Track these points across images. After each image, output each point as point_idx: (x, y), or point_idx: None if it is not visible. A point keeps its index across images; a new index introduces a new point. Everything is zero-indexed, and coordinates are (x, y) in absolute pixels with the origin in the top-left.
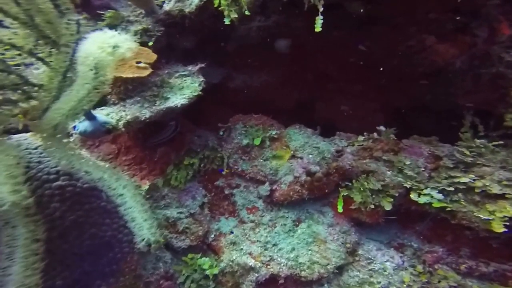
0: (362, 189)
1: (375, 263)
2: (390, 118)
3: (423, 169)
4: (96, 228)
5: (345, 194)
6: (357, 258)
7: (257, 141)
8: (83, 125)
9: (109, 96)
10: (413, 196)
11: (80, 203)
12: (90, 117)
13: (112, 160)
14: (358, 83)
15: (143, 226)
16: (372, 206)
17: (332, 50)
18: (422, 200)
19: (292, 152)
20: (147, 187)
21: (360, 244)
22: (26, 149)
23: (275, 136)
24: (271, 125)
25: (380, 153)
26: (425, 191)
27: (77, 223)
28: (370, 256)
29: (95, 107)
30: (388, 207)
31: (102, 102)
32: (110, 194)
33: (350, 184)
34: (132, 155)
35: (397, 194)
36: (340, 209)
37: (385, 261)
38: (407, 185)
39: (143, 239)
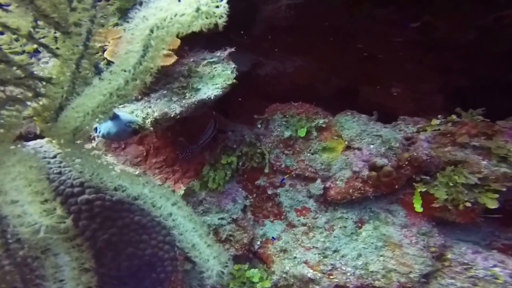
0: (450, 183)
1: (476, 269)
2: (451, 100)
3: None
4: (134, 247)
5: (422, 190)
6: (447, 264)
7: (301, 132)
8: (106, 126)
9: None
10: None
11: (111, 219)
12: (113, 116)
13: (141, 163)
14: (409, 64)
15: (209, 255)
16: (468, 204)
17: (377, 29)
18: None
19: (346, 143)
20: (182, 191)
21: (448, 247)
22: (44, 158)
23: (323, 125)
24: (316, 113)
25: (466, 139)
26: None
27: (111, 242)
28: (466, 261)
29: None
30: (492, 204)
31: None
32: (156, 215)
33: (427, 178)
34: (162, 156)
35: (504, 189)
36: (418, 208)
37: (492, 267)
38: None
39: (213, 272)
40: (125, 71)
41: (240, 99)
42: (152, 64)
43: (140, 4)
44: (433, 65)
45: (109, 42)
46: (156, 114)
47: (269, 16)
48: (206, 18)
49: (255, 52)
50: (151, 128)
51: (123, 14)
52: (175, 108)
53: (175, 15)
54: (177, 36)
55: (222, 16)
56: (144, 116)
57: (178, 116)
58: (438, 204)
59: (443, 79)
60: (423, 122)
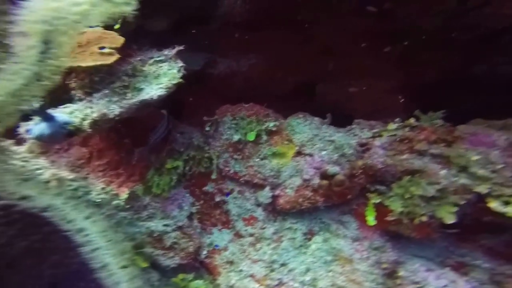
0: (406, 195)
1: None
2: (413, 99)
3: (502, 165)
4: (60, 255)
5: (376, 201)
6: (398, 282)
7: (251, 136)
8: (39, 127)
9: (73, 91)
10: (495, 205)
11: (35, 225)
12: (47, 117)
13: (84, 165)
14: (369, 58)
15: (120, 278)
16: (425, 219)
17: (335, 20)
18: None
19: (297, 148)
20: (126, 196)
21: (401, 263)
22: None
23: (273, 129)
24: (267, 115)
25: (425, 146)
26: None
27: (32, 249)
28: (418, 279)
29: (54, 105)
30: (450, 219)
31: (65, 99)
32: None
33: (382, 188)
34: (106, 159)
35: (463, 202)
36: (371, 221)
37: (443, 287)
38: (480, 189)
39: None
40: (26, 69)
41: (191, 99)
42: (59, 62)
43: None
44: (394, 59)
45: None
46: (95, 115)
47: (225, 12)
48: (110, 6)
49: (210, 50)
50: (89, 129)
51: None
52: (114, 109)
53: (70, 4)
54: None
55: (129, 3)
56: (82, 117)
57: (118, 117)
58: (392, 217)
59: (405, 74)
60: (380, 126)
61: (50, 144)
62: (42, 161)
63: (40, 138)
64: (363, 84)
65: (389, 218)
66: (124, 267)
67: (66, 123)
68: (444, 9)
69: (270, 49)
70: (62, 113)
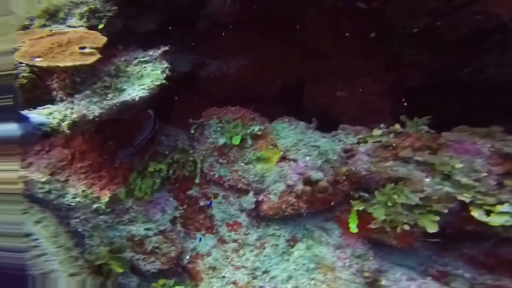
0: (389, 203)
1: None
2: (400, 103)
3: (485, 174)
4: None
5: (360, 208)
6: None
7: (236, 140)
8: (9, 128)
9: (54, 92)
10: (477, 214)
11: None
12: (20, 117)
13: (66, 167)
14: (357, 59)
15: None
16: (407, 227)
17: (324, 20)
18: (498, 221)
19: (281, 153)
20: (107, 199)
21: (383, 272)
22: None
23: (259, 133)
24: (252, 118)
25: (409, 152)
26: (502, 208)
27: None
28: None
29: (32, 105)
30: (432, 228)
31: (46, 100)
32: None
33: (366, 195)
34: (88, 161)
35: (446, 211)
36: (353, 228)
37: None
38: (464, 198)
39: None
40: None
41: (179, 101)
42: None
43: None
44: (382, 61)
45: (23, 43)
46: (74, 116)
47: (214, 12)
48: None
49: (198, 52)
50: (68, 131)
51: (52, 16)
52: (94, 110)
53: None
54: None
55: None
56: (61, 118)
57: (98, 119)
58: (375, 225)
59: (392, 77)
60: (365, 132)
61: (22, 145)
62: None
63: (9, 139)
64: (351, 88)
65: (372, 226)
66: (72, 275)
67: (41, 124)
68: (431, 8)
69: (259, 50)
70: (39, 114)
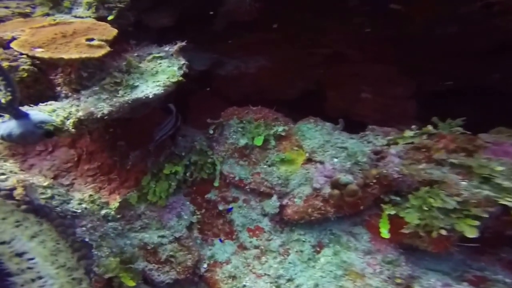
0: (425, 207)
1: None
2: (425, 107)
3: None
4: None
5: (391, 212)
6: None
7: (258, 141)
8: (7, 126)
9: (58, 88)
10: None
11: None
12: (19, 114)
13: (72, 169)
14: (380, 63)
15: None
16: (444, 232)
17: (346, 24)
18: None
19: (307, 155)
20: (117, 204)
21: (415, 278)
22: None
23: (283, 134)
24: (276, 119)
25: (444, 155)
26: None
27: None
28: None
29: (33, 101)
30: (472, 233)
31: (49, 96)
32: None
33: (397, 198)
34: (97, 162)
35: (486, 215)
36: (385, 233)
37: None
38: (506, 202)
39: None
40: None
41: (195, 101)
42: None
43: None
44: (405, 65)
45: (23, 31)
46: (80, 113)
47: (232, 10)
48: None
49: (215, 50)
50: (73, 130)
51: (56, 4)
52: (102, 108)
53: None
54: None
55: None
56: (65, 115)
57: (106, 117)
58: (408, 229)
59: (416, 81)
60: (394, 133)
61: (22, 145)
62: (9, 165)
63: (8, 138)
64: (374, 91)
65: (404, 231)
66: None
67: (43, 122)
68: (463, 14)
69: (279, 51)
70: (41, 111)
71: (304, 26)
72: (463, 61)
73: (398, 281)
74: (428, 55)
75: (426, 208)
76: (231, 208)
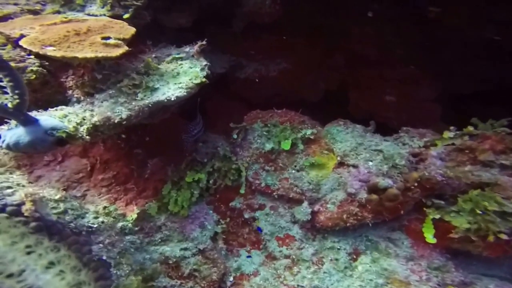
0: (477, 210)
1: None
2: (450, 109)
3: None
4: None
5: (436, 216)
6: None
7: (285, 145)
8: (13, 133)
9: (70, 91)
10: None
11: None
12: (27, 120)
13: (84, 180)
14: (406, 66)
15: None
16: (505, 237)
17: (370, 27)
18: None
19: (339, 158)
20: (135, 215)
21: (469, 284)
22: None
23: (311, 137)
24: (302, 121)
25: (491, 156)
26: None
27: None
28: None
29: (40, 106)
30: None
31: (59, 100)
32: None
33: (441, 202)
34: (112, 172)
35: None
36: (430, 238)
37: None
38: None
39: None
40: None
41: (213, 105)
42: None
43: None
44: (433, 68)
45: (33, 28)
46: (95, 119)
47: (251, 11)
48: None
49: (234, 53)
50: (87, 137)
51: (68, 1)
52: (120, 112)
53: None
54: None
55: None
56: (78, 121)
57: (125, 122)
58: (457, 234)
59: (443, 84)
60: (430, 134)
61: (29, 154)
62: (16, 177)
63: (15, 147)
64: (399, 93)
65: (453, 235)
66: None
67: (54, 129)
68: (499, 19)
69: (300, 54)
70: (51, 116)
71: (326, 29)
72: (494, 64)
73: None
74: (457, 59)
75: (479, 212)
76: (260, 229)
